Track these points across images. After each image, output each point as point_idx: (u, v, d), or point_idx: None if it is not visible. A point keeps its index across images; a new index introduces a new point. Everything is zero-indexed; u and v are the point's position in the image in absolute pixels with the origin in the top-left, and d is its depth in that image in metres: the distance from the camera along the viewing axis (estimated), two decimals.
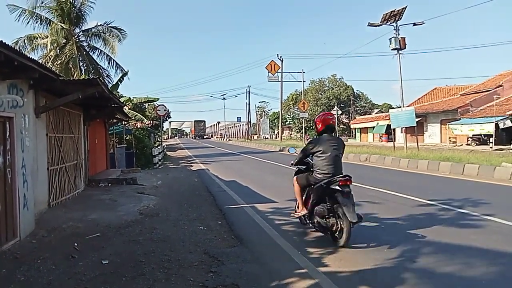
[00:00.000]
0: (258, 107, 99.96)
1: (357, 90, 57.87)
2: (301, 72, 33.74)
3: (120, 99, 13.99)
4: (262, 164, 16.56)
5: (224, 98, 72.22)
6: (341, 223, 3.78)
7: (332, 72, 74.55)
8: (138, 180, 10.10)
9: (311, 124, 53.00)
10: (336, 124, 33.26)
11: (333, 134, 4.26)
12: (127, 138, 16.84)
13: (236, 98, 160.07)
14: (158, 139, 33.34)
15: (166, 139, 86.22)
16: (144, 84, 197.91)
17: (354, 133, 49.07)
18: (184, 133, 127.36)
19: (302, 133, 48.53)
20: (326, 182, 3.83)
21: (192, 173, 13.47)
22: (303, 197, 4.28)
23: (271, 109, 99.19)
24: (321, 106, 51.92)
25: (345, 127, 54.43)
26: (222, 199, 7.85)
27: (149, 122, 21.86)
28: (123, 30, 19.23)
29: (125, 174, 11.42)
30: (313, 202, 4.00)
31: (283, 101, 46.94)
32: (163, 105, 21.35)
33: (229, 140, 64.81)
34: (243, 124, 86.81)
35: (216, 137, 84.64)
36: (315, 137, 4.41)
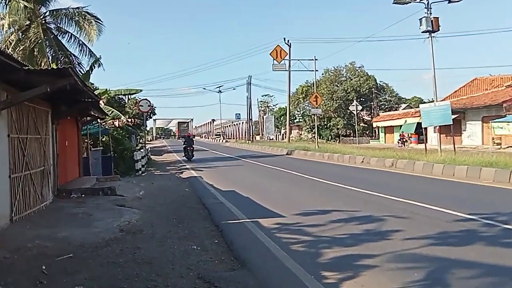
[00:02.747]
0: (261, 101, 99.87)
1: (380, 81, 57.91)
2: (313, 60, 33.77)
3: (95, 92, 14.06)
4: (267, 171, 16.58)
5: (219, 91, 72.23)
6: (188, 155, 23.33)
7: (350, 60, 74.90)
8: (117, 190, 10.16)
9: (325, 122, 53.20)
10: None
11: (190, 138, 24.71)
12: (104, 139, 16.91)
13: (234, 91, 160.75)
14: (141, 140, 33.23)
15: (150, 140, 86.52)
16: (124, 75, 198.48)
17: (377, 133, 49.05)
18: (172, 133, 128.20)
19: (314, 133, 48.73)
20: (185, 147, 23.66)
21: (182, 182, 13.54)
22: (184, 150, 24.01)
23: (276, 104, 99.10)
24: (337, 100, 52.03)
25: (366, 125, 54.40)
26: (218, 212, 7.89)
27: (129, 120, 21.93)
28: (100, 21, 19.29)
29: (102, 183, 11.48)
30: (184, 150, 23.85)
31: (291, 95, 46.99)
32: (146, 99, 21.45)
33: (226, 141, 64.98)
34: (243, 122, 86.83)
35: (211, 138, 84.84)
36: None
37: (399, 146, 31.98)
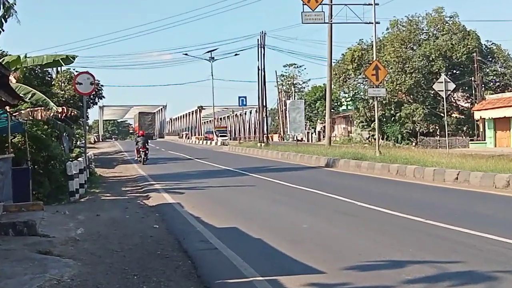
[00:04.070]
0: (283, 75, 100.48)
1: (487, 41, 57.71)
2: (371, 4, 33.62)
3: (2, 61, 14.13)
4: (292, 195, 16.61)
5: (212, 58, 72.44)
6: (140, 157, 33.65)
7: (435, 4, 74.45)
8: (39, 227, 10.17)
9: (393, 111, 52.80)
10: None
11: (144, 136, 36.05)
12: (16, 140, 16.97)
13: (236, 58, 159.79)
14: (79, 142, 33.29)
15: (95, 142, 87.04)
16: (53, 36, 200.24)
17: (481, 129, 48.63)
18: (131, 131, 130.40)
19: (373, 129, 47.91)
20: (139, 148, 33.87)
21: (147, 213, 13.57)
22: (137, 151, 34.86)
23: (308, 81, 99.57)
24: (413, 74, 51.63)
25: (462, 117, 53.95)
26: (210, 265, 7.91)
27: (60, 108, 21.97)
28: None
29: (13, 215, 11.48)
30: (136, 151, 34.70)
31: (333, 64, 46.87)
32: (88, 73, 21.45)
33: (223, 142, 65.07)
34: (251, 112, 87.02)
35: (197, 138, 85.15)
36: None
37: None
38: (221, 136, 77.63)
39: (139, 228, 11.22)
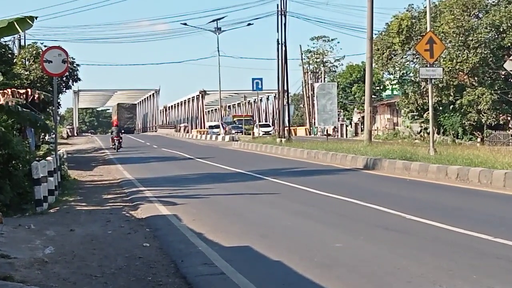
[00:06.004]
0: (310, 51, 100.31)
1: None
2: None
3: None
4: (320, 204, 16.64)
5: (218, 29, 72.56)
6: (114, 145, 52.24)
7: None
8: None
9: (452, 97, 52.29)
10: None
11: (117, 127, 56.91)
12: None
13: (249, 29, 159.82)
14: (48, 137, 33.49)
15: (68, 137, 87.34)
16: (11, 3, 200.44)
17: None
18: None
19: (425, 121, 47.42)
20: (113, 136, 53.33)
21: (135, 227, 13.62)
22: (111, 140, 54.80)
23: (342, 58, 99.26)
24: (479, 50, 51.11)
25: None
26: None
27: (24, 92, 22.04)
28: None
29: None
30: (111, 140, 54.41)
31: (374, 37, 46.59)
32: (59, 47, 21.49)
33: (233, 138, 64.98)
34: (268, 98, 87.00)
35: (198, 132, 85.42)
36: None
37: None
38: (261, 127, 77.80)
39: (125, 247, 11.21)
